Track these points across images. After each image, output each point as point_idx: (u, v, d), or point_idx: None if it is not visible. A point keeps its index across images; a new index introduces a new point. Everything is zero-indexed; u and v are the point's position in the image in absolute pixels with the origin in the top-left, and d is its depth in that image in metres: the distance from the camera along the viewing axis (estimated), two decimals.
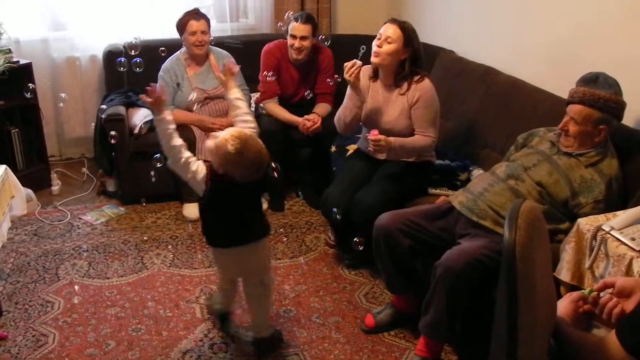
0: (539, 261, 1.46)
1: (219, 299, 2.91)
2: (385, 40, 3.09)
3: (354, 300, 3.14)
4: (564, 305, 1.74)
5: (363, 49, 3.26)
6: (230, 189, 2.43)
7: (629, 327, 1.46)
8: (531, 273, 1.38)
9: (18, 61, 4.06)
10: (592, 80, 2.54)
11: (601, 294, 1.70)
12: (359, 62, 3.10)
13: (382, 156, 3.23)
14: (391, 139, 3.04)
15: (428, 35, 4.18)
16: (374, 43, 3.14)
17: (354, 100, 3.19)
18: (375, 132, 3.03)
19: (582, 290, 1.75)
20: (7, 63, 3.91)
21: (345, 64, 3.10)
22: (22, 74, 4.08)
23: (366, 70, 3.27)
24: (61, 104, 4.35)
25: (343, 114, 3.29)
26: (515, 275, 1.34)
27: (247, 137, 2.38)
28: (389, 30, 3.10)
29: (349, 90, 3.23)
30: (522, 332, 1.43)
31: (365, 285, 3.26)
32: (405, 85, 3.18)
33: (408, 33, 3.11)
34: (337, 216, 3.05)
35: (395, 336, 2.87)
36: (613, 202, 2.48)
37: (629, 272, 1.99)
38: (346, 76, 3.10)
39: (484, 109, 3.57)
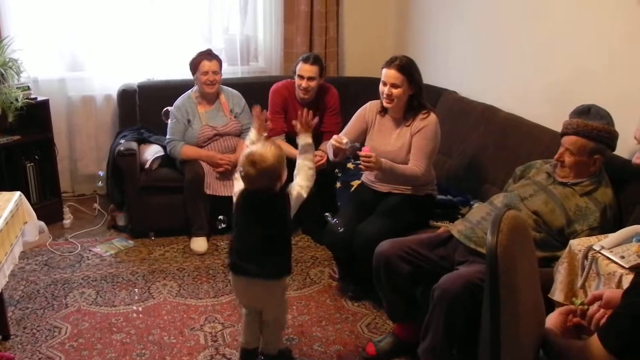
0: (522, 266, 1.52)
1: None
2: (392, 86, 3.21)
3: (356, 330, 3.18)
4: (553, 318, 1.80)
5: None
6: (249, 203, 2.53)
7: (609, 329, 1.50)
8: (513, 275, 1.44)
9: (36, 98, 4.22)
10: (585, 112, 2.64)
11: (590, 307, 1.75)
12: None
13: (383, 188, 3.32)
14: (382, 159, 3.12)
15: (432, 76, 4.30)
16: (382, 90, 3.25)
17: None
18: (367, 149, 3.14)
19: (573, 299, 1.80)
20: (25, 99, 4.07)
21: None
22: (39, 110, 4.25)
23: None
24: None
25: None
26: (497, 275, 1.40)
27: (260, 150, 2.46)
28: (391, 76, 3.20)
29: None
30: (505, 336, 1.48)
31: (367, 317, 3.30)
32: (411, 119, 3.29)
33: (409, 72, 3.22)
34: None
35: None
36: (608, 229, 2.52)
37: (619, 288, 2.04)
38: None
39: (484, 145, 3.66)
